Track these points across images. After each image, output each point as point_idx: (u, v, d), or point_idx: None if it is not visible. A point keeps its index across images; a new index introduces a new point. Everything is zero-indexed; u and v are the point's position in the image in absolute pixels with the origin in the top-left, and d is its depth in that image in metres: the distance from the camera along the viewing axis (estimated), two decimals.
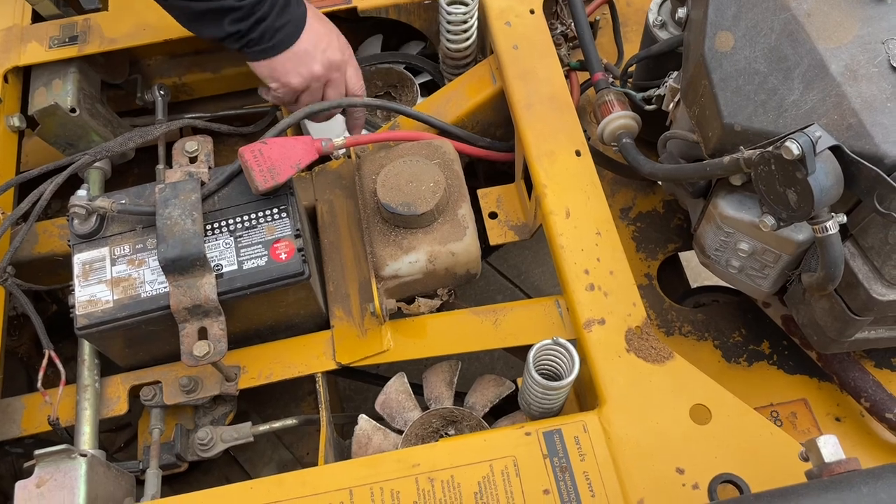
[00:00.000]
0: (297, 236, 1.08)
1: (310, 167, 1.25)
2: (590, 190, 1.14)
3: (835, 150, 0.83)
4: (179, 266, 1.02)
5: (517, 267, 2.32)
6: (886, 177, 0.82)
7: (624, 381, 0.99)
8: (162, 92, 1.50)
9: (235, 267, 1.06)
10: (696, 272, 1.49)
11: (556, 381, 0.96)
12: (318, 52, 1.17)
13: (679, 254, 1.46)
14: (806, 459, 0.79)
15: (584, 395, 1.09)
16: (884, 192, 0.83)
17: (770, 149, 0.85)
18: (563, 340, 0.96)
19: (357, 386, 1.91)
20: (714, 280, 1.25)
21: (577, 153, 1.18)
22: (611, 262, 1.08)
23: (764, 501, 0.66)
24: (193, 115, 1.55)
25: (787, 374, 1.25)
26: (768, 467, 0.92)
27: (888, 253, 0.91)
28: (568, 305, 1.08)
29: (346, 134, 1.33)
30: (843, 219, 0.87)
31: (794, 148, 0.80)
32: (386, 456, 0.96)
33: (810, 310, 1.06)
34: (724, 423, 0.95)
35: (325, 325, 1.17)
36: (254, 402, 1.40)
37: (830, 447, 0.76)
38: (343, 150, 1.19)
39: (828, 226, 0.86)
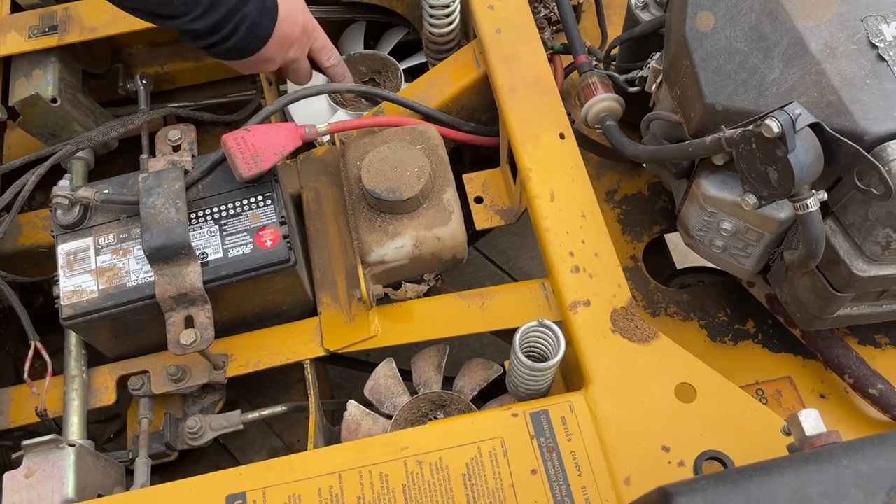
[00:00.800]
0: (282, 223, 1.08)
1: (294, 154, 1.25)
2: (574, 173, 1.14)
3: (815, 127, 0.84)
4: (164, 255, 1.02)
5: (505, 253, 2.32)
6: (866, 153, 0.83)
7: (609, 361, 0.99)
8: (144, 81, 1.49)
9: (221, 255, 1.06)
10: (684, 254, 1.49)
11: (542, 362, 0.96)
12: (279, 55, 1.19)
13: (665, 236, 1.47)
14: (788, 434, 0.80)
15: (571, 376, 1.10)
16: (863, 169, 0.84)
17: (751, 127, 0.86)
18: (548, 322, 0.97)
19: (347, 373, 1.92)
20: (699, 261, 1.26)
21: (562, 136, 1.17)
22: (596, 244, 1.09)
23: (745, 475, 0.67)
24: (176, 104, 1.54)
25: (771, 352, 1.26)
26: (753, 443, 0.93)
27: (868, 229, 0.92)
28: (554, 288, 1.09)
29: (331, 120, 1.32)
30: (824, 196, 0.88)
31: (774, 126, 0.81)
32: (374, 440, 0.97)
33: (793, 287, 1.06)
34: (709, 401, 0.96)
35: (312, 312, 1.17)
36: (244, 391, 1.40)
37: (812, 421, 0.76)
38: (327, 137, 1.18)
39: (808, 203, 0.87)
